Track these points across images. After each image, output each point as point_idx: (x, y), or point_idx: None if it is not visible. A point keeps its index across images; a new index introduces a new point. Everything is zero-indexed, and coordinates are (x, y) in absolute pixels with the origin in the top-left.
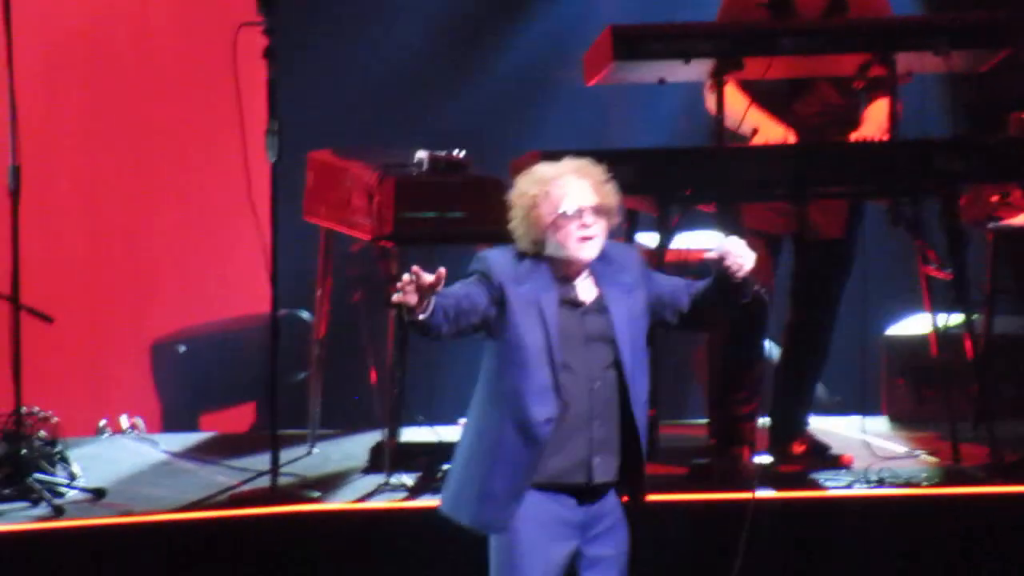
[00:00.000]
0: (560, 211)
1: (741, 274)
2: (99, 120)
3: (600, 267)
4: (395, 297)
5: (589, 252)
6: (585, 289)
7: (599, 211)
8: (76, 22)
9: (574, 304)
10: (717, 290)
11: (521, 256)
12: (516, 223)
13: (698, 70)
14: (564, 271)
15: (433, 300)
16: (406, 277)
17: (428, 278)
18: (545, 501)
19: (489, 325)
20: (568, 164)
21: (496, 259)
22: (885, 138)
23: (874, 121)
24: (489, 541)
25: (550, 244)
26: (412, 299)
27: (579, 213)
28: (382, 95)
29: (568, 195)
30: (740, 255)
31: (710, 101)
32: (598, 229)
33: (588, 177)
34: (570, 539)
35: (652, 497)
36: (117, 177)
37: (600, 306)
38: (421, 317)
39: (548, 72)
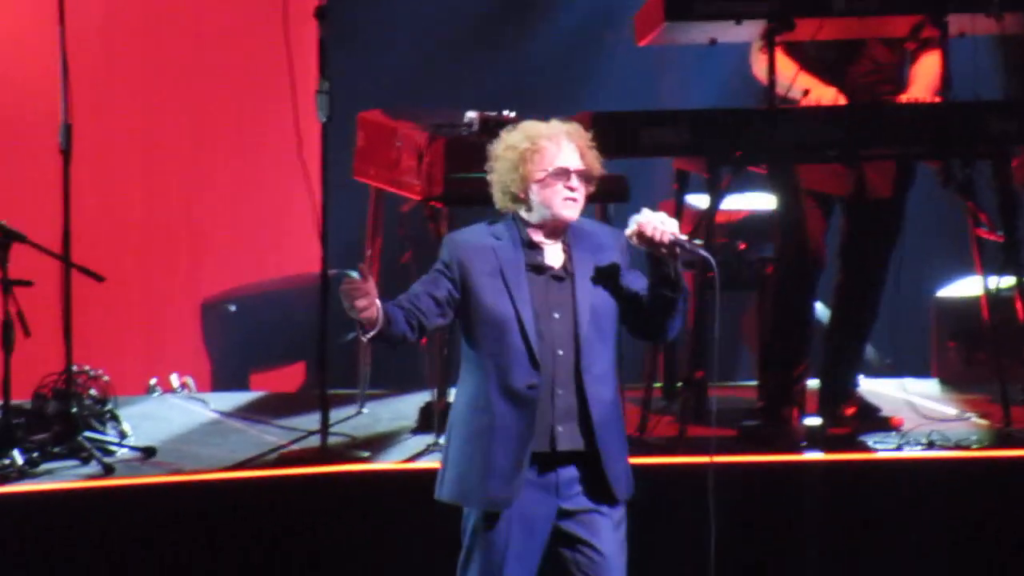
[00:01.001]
0: (550, 169)
1: (668, 239)
2: (153, 81)
3: (575, 239)
4: (361, 315)
5: (571, 213)
6: (553, 255)
7: (584, 176)
8: None
9: (539, 269)
10: (654, 272)
11: (492, 223)
12: (499, 176)
13: (750, 31)
14: (536, 236)
15: (380, 307)
16: (347, 288)
17: (359, 284)
18: None
19: (458, 307)
20: (559, 125)
21: (456, 239)
22: (933, 98)
23: (922, 81)
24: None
25: (533, 202)
26: (367, 305)
27: (567, 174)
28: (433, 55)
29: (559, 155)
30: (657, 222)
31: (757, 67)
32: (581, 194)
33: (577, 141)
34: (548, 500)
35: (700, 459)
36: (171, 136)
37: (566, 273)
38: (372, 332)
39: (599, 32)
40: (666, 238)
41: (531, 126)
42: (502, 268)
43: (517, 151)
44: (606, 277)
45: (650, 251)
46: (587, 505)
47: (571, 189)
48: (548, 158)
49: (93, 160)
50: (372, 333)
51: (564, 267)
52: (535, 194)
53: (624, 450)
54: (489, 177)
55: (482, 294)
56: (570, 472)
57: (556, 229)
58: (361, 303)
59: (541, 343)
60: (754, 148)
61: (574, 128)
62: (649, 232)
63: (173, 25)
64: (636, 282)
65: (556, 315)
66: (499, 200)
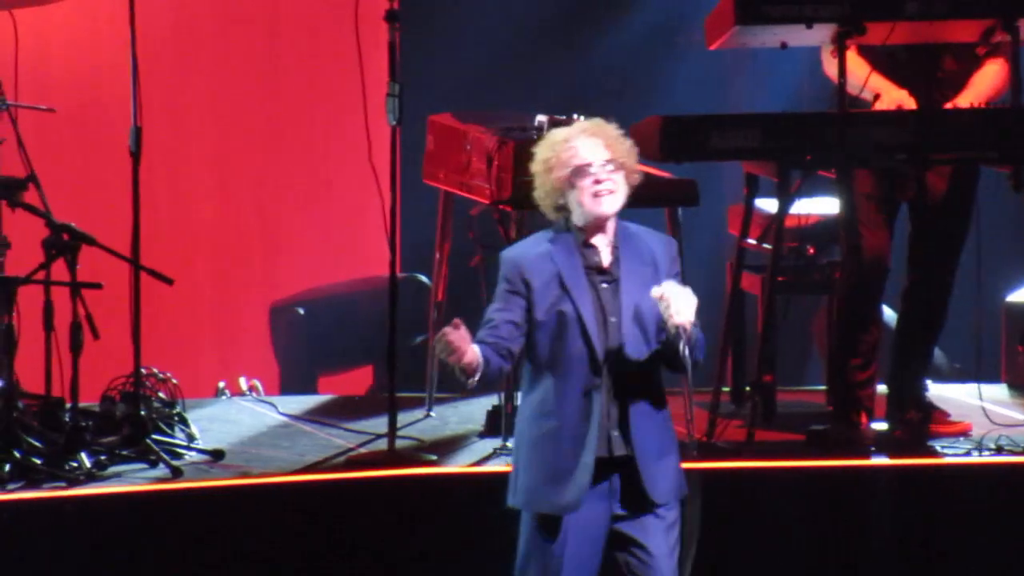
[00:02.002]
0: (572, 170)
1: (671, 323)
2: (226, 84)
3: (623, 241)
4: (464, 362)
5: (607, 206)
6: (605, 257)
7: (611, 164)
8: None
9: (597, 271)
10: (666, 334)
11: (546, 231)
12: (539, 191)
13: (820, 34)
14: (588, 238)
15: (477, 351)
16: (444, 343)
17: (455, 333)
18: None
19: (529, 316)
20: (579, 125)
21: (510, 255)
22: (983, 105)
23: (975, 88)
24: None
25: (572, 207)
26: (467, 352)
27: (589, 167)
28: (503, 59)
29: (579, 153)
30: (675, 304)
31: (828, 66)
32: (612, 184)
33: (599, 135)
34: (604, 505)
35: (768, 463)
36: (244, 139)
37: (613, 277)
38: (475, 377)
39: (669, 36)
40: (670, 322)
41: (552, 134)
42: (561, 272)
43: (544, 163)
44: (651, 280)
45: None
46: (640, 507)
47: (598, 182)
48: (567, 159)
49: (166, 163)
50: (476, 378)
51: (610, 269)
52: (570, 198)
53: (671, 451)
54: (535, 195)
55: (544, 300)
56: (623, 476)
57: (600, 227)
58: (464, 349)
59: (600, 347)
60: (824, 152)
61: (594, 123)
62: (662, 306)
63: (246, 29)
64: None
65: (612, 319)
66: (548, 213)
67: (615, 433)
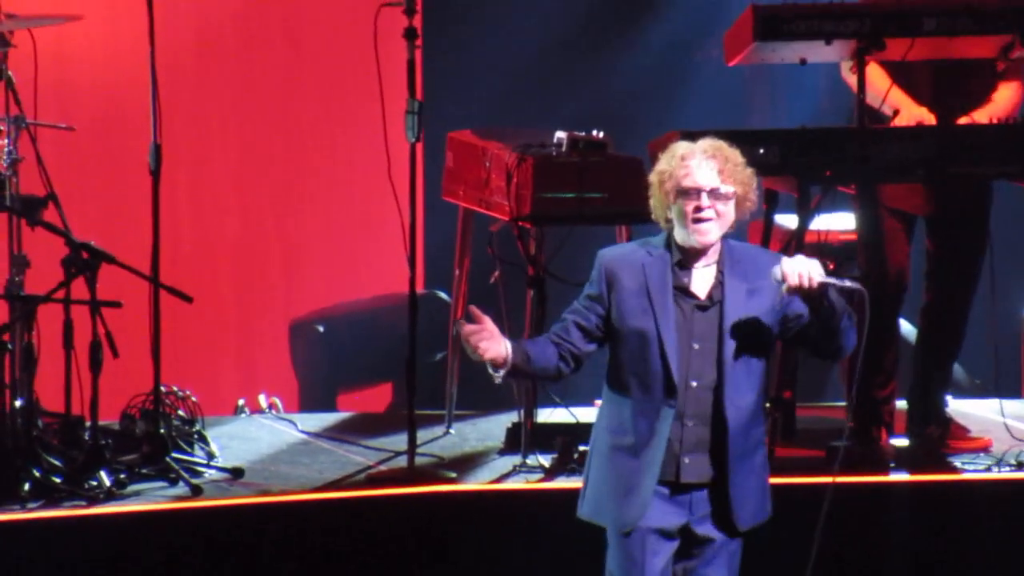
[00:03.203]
0: (678, 189)
1: (813, 285)
2: (248, 102)
3: (730, 264)
4: (486, 357)
5: (700, 237)
6: (702, 281)
7: (717, 195)
8: (226, 6)
9: (687, 294)
10: (810, 308)
11: (647, 241)
12: (651, 200)
13: (839, 50)
14: (686, 257)
15: (508, 345)
16: (465, 335)
17: (468, 327)
18: None
19: (608, 324)
20: (702, 143)
21: (605, 254)
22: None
23: (994, 104)
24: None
25: (674, 224)
26: (490, 347)
27: (696, 194)
28: (522, 75)
29: (689, 175)
30: (799, 271)
31: (849, 79)
32: (712, 213)
33: (717, 159)
34: (679, 515)
35: (788, 480)
36: (265, 157)
37: (712, 302)
38: (503, 371)
39: (689, 52)
40: (815, 284)
41: (674, 147)
42: (649, 286)
43: (659, 175)
44: (761, 306)
45: (802, 295)
46: (715, 523)
47: (699, 209)
48: (677, 179)
49: (188, 181)
50: (503, 372)
51: (710, 295)
52: (673, 216)
53: (760, 483)
54: (650, 201)
55: (626, 310)
56: (702, 494)
57: (696, 252)
58: (483, 346)
59: (677, 369)
60: (844, 168)
61: (718, 145)
62: (797, 282)
63: (266, 47)
64: (799, 305)
65: (696, 345)
66: (659, 223)
67: (686, 460)
